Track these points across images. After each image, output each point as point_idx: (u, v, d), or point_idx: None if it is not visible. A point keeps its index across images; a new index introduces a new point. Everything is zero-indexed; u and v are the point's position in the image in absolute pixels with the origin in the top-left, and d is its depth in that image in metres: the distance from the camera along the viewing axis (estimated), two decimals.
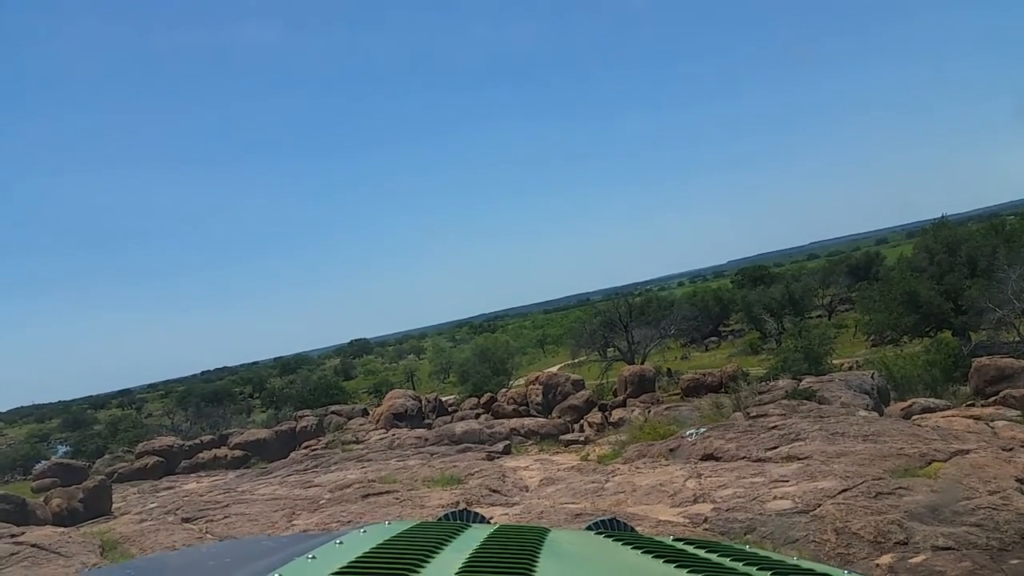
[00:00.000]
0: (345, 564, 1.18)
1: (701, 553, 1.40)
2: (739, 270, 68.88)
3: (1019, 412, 13.78)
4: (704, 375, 27.18)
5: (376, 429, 29.29)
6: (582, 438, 22.23)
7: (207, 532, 11.75)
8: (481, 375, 37.55)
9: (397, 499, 12.62)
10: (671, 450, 13.66)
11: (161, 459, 28.84)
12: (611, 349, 40.39)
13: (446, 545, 1.38)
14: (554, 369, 36.32)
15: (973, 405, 17.44)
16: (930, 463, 9.80)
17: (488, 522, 1.93)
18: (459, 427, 24.37)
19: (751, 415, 15.65)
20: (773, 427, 13.15)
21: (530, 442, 22.76)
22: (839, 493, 8.94)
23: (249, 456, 28.87)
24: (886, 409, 18.05)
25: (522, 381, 33.92)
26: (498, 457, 19.67)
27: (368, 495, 13.39)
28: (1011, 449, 10.21)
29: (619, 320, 39.26)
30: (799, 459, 10.89)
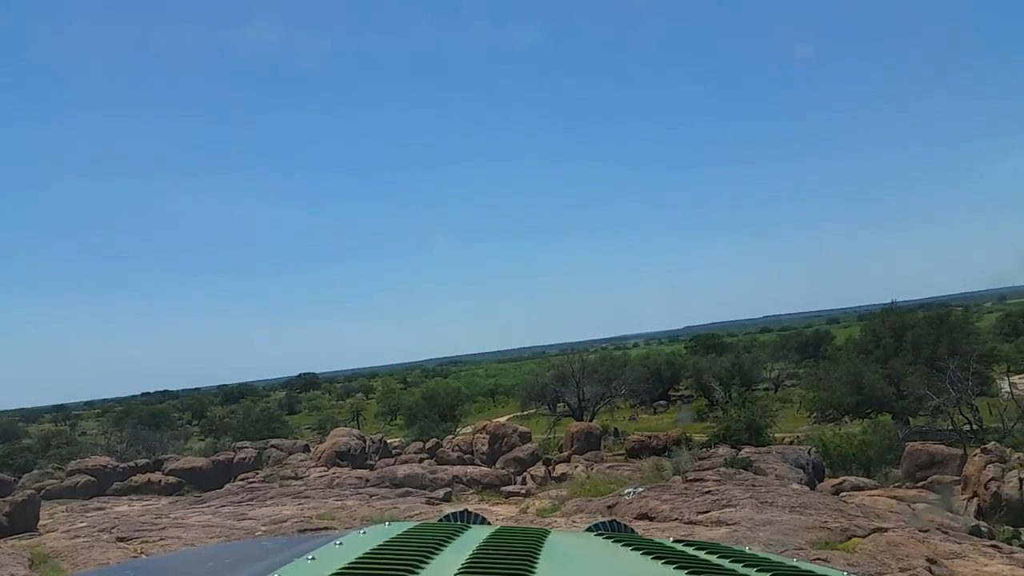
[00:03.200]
0: (345, 565, 1.19)
1: (701, 555, 1.41)
2: (693, 336, 70.04)
3: (939, 496, 14.37)
4: (650, 437, 27.56)
5: (317, 466, 29.00)
6: (523, 490, 22.33)
7: (143, 552, 11.61)
8: (429, 420, 37.49)
9: None
10: (609, 507, 13.94)
11: (92, 479, 28.12)
12: (561, 404, 40.62)
13: (446, 546, 1.40)
14: (503, 420, 36.34)
15: (901, 487, 18.07)
16: (850, 538, 10.24)
17: (488, 523, 1.98)
18: (401, 470, 24.33)
19: (689, 479, 16.01)
20: (707, 492, 13.53)
21: (471, 491, 22.81)
22: None
23: (183, 484, 28.34)
24: (819, 484, 18.58)
25: (469, 429, 33.93)
26: (438, 503, 19.73)
27: (305, 530, 13.38)
28: (927, 531, 10.71)
29: (572, 375, 39.60)
30: (728, 524, 11.26)
